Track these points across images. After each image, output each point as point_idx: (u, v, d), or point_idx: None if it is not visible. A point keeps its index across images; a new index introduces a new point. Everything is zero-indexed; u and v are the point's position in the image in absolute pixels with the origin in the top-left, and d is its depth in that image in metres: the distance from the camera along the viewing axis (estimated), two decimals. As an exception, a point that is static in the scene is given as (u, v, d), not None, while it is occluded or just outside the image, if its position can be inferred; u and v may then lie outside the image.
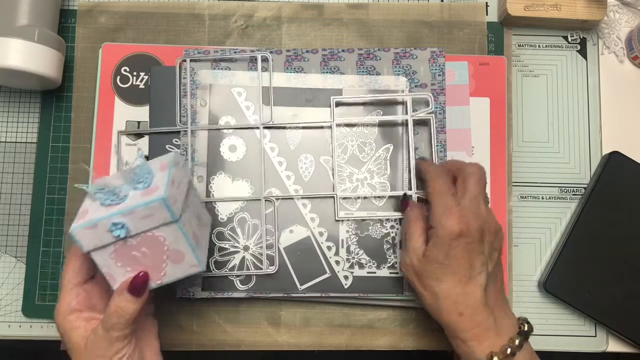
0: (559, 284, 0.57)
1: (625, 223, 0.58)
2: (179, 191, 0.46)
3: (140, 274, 0.45)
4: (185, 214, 0.46)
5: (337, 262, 0.56)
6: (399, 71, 0.58)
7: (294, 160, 0.58)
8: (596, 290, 0.57)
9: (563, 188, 0.60)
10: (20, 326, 0.58)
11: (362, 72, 0.58)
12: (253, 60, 0.58)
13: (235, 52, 0.58)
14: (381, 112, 0.58)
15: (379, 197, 0.57)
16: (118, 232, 0.43)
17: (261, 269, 0.56)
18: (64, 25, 0.61)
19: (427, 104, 0.58)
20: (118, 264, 0.45)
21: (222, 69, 0.58)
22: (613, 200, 0.58)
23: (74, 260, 0.47)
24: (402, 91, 0.58)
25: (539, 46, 0.62)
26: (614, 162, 0.59)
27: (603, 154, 0.60)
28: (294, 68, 0.58)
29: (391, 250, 0.56)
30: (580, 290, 0.57)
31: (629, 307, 0.57)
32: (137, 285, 0.45)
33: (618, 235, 0.58)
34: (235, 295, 0.56)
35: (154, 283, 0.46)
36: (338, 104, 0.58)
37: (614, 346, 0.58)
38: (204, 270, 0.47)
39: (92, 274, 0.48)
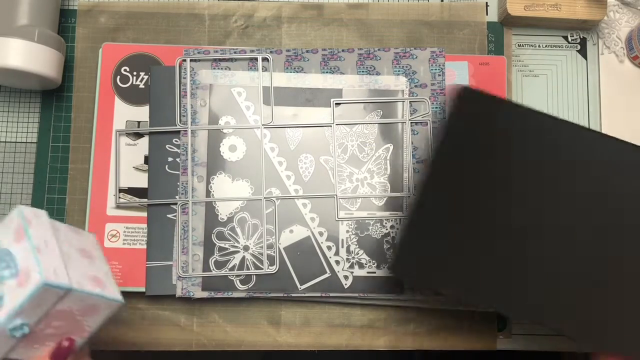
0: (408, 264, 0.47)
1: (484, 174, 0.47)
2: (49, 251, 0.41)
3: (63, 343, 0.43)
4: (70, 268, 0.42)
5: (337, 262, 0.56)
6: (398, 71, 0.58)
7: (294, 160, 0.58)
8: (456, 261, 0.46)
9: (563, 188, 0.60)
10: (20, 326, 0.58)
11: (362, 72, 0.58)
12: (253, 60, 0.58)
13: (235, 52, 0.58)
14: (381, 112, 0.58)
15: (379, 197, 0.57)
16: (20, 332, 0.40)
17: (261, 268, 0.56)
18: (64, 25, 0.61)
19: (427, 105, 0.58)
20: (35, 346, 0.43)
21: (222, 69, 0.58)
22: (467, 150, 0.48)
23: None
24: (402, 91, 0.58)
25: (539, 46, 0.62)
26: (465, 99, 0.47)
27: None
28: (294, 68, 0.58)
29: (391, 250, 0.56)
30: (437, 266, 0.47)
31: (490, 273, 0.46)
32: (61, 354, 0.43)
33: (477, 190, 0.47)
34: (235, 295, 0.56)
35: (80, 339, 0.45)
36: (338, 105, 0.58)
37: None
38: (123, 302, 0.45)
39: None
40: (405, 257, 0.48)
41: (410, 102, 0.58)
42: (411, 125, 0.58)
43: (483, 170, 0.48)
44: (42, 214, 0.45)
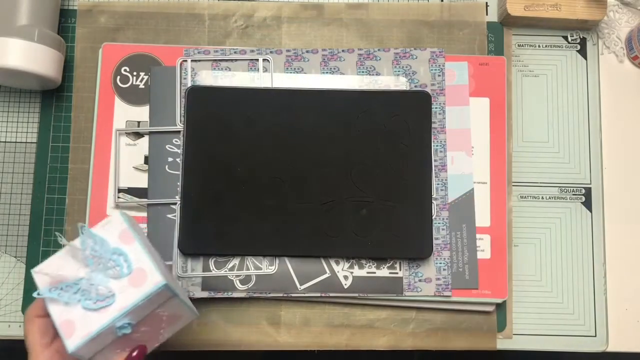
0: (194, 240, 0.55)
1: (224, 150, 0.56)
2: (156, 256, 0.43)
3: (135, 353, 0.43)
4: (167, 275, 0.43)
5: (337, 262, 0.56)
6: (398, 71, 0.58)
7: (294, 160, 0.58)
8: (232, 227, 0.55)
9: (563, 188, 0.60)
10: (20, 326, 0.58)
11: (362, 72, 0.58)
12: (253, 60, 0.58)
13: (235, 53, 0.58)
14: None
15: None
16: (124, 330, 0.40)
17: (261, 268, 0.56)
18: (64, 25, 0.61)
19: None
20: (117, 351, 0.43)
21: (222, 69, 0.58)
22: (206, 134, 0.56)
23: (37, 320, 0.43)
24: (402, 91, 0.58)
25: (539, 46, 0.62)
26: (193, 97, 0.56)
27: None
28: (294, 68, 0.58)
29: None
30: (219, 235, 0.55)
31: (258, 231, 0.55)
32: None
33: (224, 165, 0.56)
34: (235, 295, 0.56)
35: (150, 348, 0.45)
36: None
37: (614, 346, 0.58)
38: (198, 314, 0.47)
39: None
40: (187, 237, 0.55)
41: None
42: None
43: (225, 148, 0.56)
44: (134, 220, 0.45)
